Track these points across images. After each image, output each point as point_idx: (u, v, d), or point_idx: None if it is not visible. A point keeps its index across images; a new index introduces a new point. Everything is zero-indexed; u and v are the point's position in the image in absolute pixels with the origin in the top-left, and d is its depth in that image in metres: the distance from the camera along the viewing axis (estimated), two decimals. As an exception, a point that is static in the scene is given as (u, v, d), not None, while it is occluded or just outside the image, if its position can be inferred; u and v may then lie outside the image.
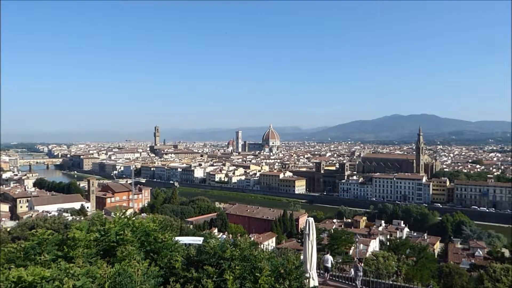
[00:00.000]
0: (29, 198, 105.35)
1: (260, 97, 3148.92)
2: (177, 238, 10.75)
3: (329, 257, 21.46)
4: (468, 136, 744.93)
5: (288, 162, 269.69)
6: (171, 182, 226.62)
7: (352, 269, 21.62)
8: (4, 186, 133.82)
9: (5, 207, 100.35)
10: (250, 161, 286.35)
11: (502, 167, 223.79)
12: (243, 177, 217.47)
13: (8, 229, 46.20)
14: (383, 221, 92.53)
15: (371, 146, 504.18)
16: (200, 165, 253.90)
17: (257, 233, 78.30)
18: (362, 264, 30.80)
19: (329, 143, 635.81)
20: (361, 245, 59.81)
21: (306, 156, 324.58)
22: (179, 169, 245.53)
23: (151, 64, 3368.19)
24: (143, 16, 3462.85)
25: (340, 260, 45.29)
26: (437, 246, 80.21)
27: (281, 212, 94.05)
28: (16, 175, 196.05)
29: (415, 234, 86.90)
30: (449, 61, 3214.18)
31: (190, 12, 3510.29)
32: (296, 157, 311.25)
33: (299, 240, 60.53)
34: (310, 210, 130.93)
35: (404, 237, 74.47)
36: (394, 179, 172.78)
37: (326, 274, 21.16)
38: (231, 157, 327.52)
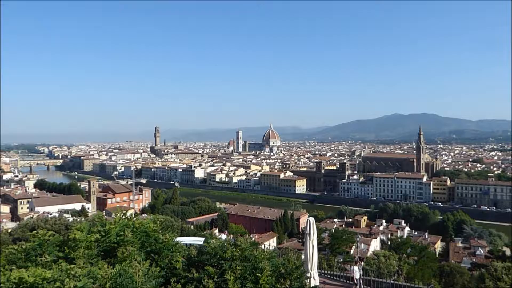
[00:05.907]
0: (29, 199, 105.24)
1: (261, 97, 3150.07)
2: (178, 238, 10.75)
3: (356, 269, 20.19)
4: (469, 135, 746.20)
5: (289, 162, 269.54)
6: (171, 182, 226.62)
7: (355, 268, 21.01)
8: (4, 187, 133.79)
9: (6, 209, 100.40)
10: (251, 161, 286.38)
11: (503, 165, 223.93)
12: (243, 177, 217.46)
13: (9, 230, 46.20)
14: (384, 221, 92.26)
15: (371, 145, 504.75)
16: (200, 165, 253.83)
17: (258, 233, 78.19)
18: (363, 263, 30.47)
19: (329, 142, 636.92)
20: (362, 244, 59.82)
21: (306, 156, 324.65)
22: (179, 170, 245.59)
23: (151, 64, 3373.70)
24: (143, 16, 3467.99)
25: (341, 260, 45.36)
26: (438, 245, 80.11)
27: (282, 212, 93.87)
28: (17, 176, 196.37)
29: (416, 233, 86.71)
30: (449, 61, 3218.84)
31: (190, 12, 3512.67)
32: (296, 157, 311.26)
33: (300, 240, 60.53)
34: (310, 210, 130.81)
35: (405, 237, 74.32)
36: (395, 178, 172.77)
37: (355, 286, 20.16)
38: (232, 157, 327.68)
